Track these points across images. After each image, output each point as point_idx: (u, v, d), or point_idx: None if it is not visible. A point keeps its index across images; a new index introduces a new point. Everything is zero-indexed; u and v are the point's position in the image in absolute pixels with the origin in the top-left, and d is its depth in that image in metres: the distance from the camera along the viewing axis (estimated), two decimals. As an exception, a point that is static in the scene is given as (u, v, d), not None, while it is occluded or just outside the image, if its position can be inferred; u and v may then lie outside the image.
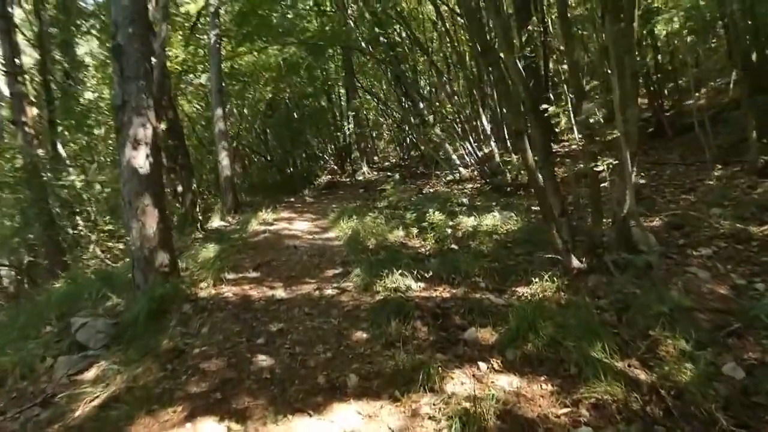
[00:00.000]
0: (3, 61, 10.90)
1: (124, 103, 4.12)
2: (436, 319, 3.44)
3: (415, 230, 5.99)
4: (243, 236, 6.90)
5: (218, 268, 4.92)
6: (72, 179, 9.54)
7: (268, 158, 18.96)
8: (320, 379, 2.81)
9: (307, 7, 12.95)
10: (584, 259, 4.10)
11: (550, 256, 4.31)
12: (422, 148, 15.03)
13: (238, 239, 6.62)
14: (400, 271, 4.23)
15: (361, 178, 15.93)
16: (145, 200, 4.12)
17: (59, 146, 13.02)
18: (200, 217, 8.54)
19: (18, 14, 13.38)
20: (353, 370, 2.87)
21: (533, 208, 7.24)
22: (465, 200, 8.49)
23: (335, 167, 18.55)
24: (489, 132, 10.38)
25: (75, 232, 11.44)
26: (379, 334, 3.27)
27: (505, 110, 9.45)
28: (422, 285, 4.18)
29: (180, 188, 9.74)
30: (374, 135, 20.90)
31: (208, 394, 2.74)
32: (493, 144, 10.02)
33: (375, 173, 16.43)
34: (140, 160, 4.12)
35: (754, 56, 8.76)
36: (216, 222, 9.01)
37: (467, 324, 3.37)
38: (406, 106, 14.09)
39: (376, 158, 20.04)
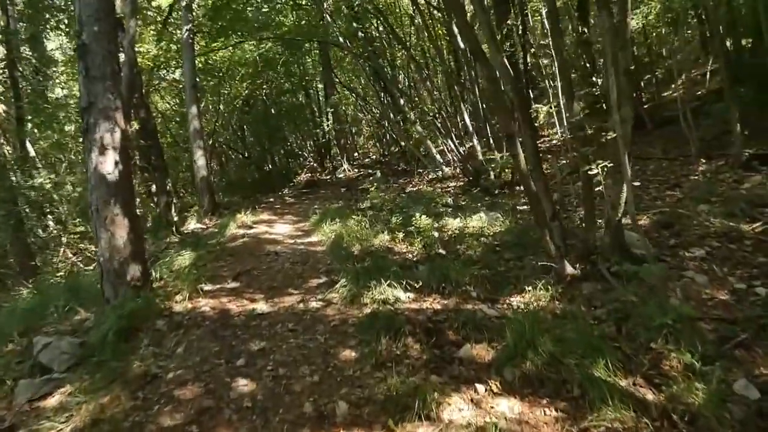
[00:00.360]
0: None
1: (90, 105, 3.82)
2: (429, 335, 3.24)
3: (401, 234, 5.79)
4: (221, 241, 6.61)
5: (194, 278, 4.64)
6: (39, 181, 9.05)
7: (246, 156, 18.55)
8: (306, 407, 2.59)
9: (282, 1, 12.57)
10: (578, 266, 3.96)
11: (542, 263, 4.17)
12: (402, 144, 14.87)
13: (216, 245, 6.32)
14: (388, 281, 4.01)
15: (341, 176, 15.71)
16: (114, 209, 3.83)
17: (28, 145, 12.49)
18: (176, 220, 8.18)
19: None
20: (342, 395, 2.66)
21: (519, 208, 7.13)
22: (449, 200, 8.35)
23: (315, 165, 18.26)
24: (471, 129, 10.23)
25: (45, 234, 10.97)
26: (368, 352, 3.06)
27: (493, 110, 9.29)
28: (411, 296, 3.98)
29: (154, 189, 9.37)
30: (353, 131, 20.65)
31: (183, 427, 2.50)
32: (475, 141, 9.87)
33: (356, 170, 16.22)
34: (108, 166, 3.82)
35: (730, 47, 8.80)
36: (192, 224, 8.68)
37: (461, 340, 3.19)
38: (386, 101, 13.89)
39: (356, 155, 19.82)
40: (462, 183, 9.86)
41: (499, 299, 3.92)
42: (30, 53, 13.79)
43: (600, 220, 4.14)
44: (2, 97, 11.83)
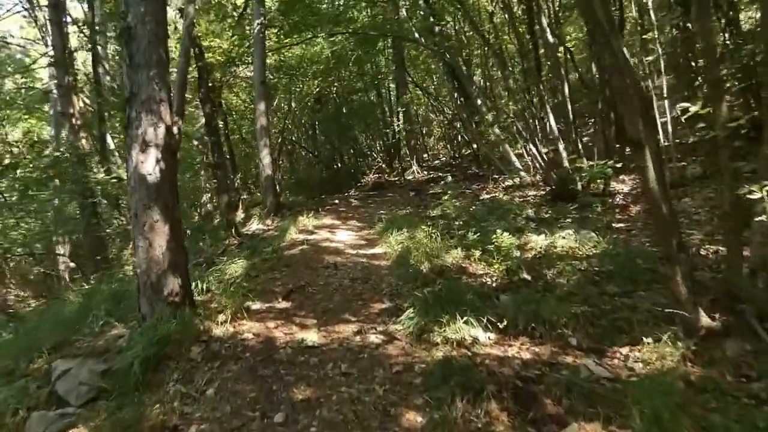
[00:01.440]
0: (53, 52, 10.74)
1: (132, 96, 3.38)
2: (519, 402, 2.47)
3: (477, 252, 5.00)
4: (279, 247, 6.10)
5: (242, 293, 4.13)
6: (101, 175, 9.04)
7: (315, 154, 18.38)
8: (356, 503, 1.92)
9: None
10: (718, 316, 3.03)
11: (659, 303, 3.27)
12: (475, 146, 13.98)
13: (272, 252, 5.81)
14: (464, 317, 3.27)
15: (410, 177, 15.07)
16: (153, 214, 3.37)
17: (108, 138, 12.80)
18: (238, 220, 7.86)
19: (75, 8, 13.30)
20: (404, 489, 1.97)
21: (615, 225, 6.15)
22: (530, 212, 7.45)
23: (383, 165, 17.73)
24: (556, 132, 9.18)
25: (115, 227, 11.13)
26: (439, 420, 2.35)
27: (619, 110, 8.27)
28: (493, 337, 3.22)
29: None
30: (424, 132, 19.95)
31: None
32: (560, 146, 8.84)
33: (425, 173, 15.54)
34: (149, 165, 3.37)
35: None
36: (255, 225, 8.33)
37: (563, 414, 2.39)
38: (460, 101, 13.08)
39: (425, 156, 19.13)
40: (543, 192, 8.88)
41: (606, 350, 3.08)
42: (118, 49, 14.25)
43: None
44: (86, 92, 12.18)
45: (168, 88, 3.52)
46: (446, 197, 7.49)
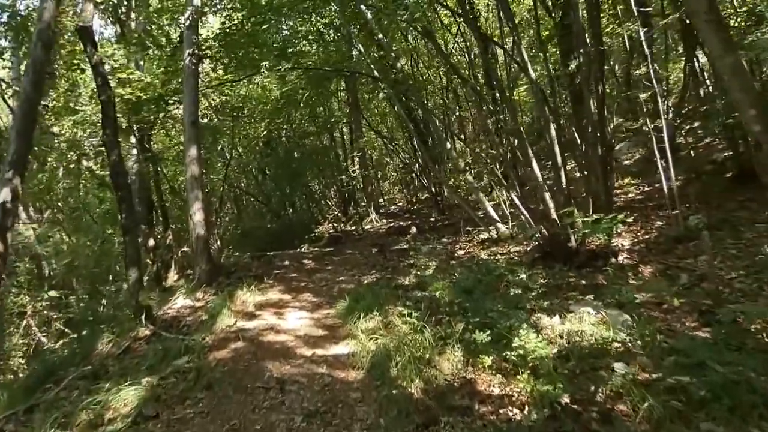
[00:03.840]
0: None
1: None
2: None
3: (487, 360, 3.47)
4: (202, 346, 4.32)
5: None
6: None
7: (264, 202, 16.73)
8: None
9: (304, 29, 10.80)
10: None
11: None
12: (434, 191, 12.92)
13: (190, 360, 4.01)
14: None
15: (369, 226, 13.80)
16: None
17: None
18: (151, 301, 6.00)
19: None
20: None
21: (637, 296, 4.85)
22: (523, 276, 6.11)
23: (338, 213, 16.31)
24: (541, 180, 8.03)
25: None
26: None
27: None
28: None
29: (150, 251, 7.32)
30: (379, 176, 18.91)
31: None
32: (546, 196, 7.66)
33: (384, 221, 14.27)
34: None
35: None
36: (180, 301, 6.47)
37: None
38: (417, 144, 12.06)
39: (381, 201, 18.04)
40: (528, 248, 7.66)
41: None
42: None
43: None
44: None
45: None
46: (430, 276, 5.98)
